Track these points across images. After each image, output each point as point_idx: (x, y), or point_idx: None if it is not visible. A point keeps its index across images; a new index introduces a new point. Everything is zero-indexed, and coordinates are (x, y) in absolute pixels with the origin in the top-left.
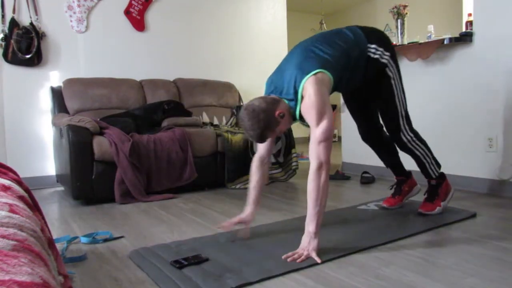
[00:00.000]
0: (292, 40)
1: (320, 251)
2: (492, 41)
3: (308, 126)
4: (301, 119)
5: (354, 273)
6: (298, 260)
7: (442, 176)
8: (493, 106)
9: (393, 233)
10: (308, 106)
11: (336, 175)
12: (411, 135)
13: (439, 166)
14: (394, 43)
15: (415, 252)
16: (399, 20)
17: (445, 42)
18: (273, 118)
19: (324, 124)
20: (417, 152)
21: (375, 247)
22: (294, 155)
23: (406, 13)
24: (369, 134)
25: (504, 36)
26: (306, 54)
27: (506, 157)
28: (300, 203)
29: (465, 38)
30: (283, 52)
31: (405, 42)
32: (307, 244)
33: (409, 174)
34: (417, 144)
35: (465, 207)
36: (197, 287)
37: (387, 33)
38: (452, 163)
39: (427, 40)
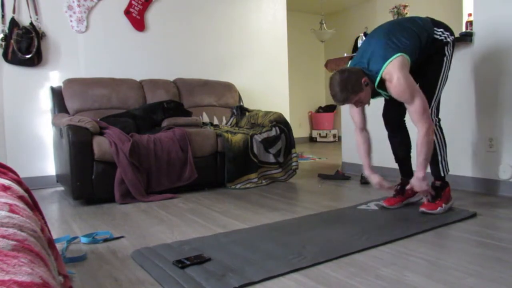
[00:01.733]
0: (292, 40)
1: (320, 251)
2: (492, 41)
3: (387, 96)
4: (380, 89)
5: (354, 273)
6: (427, 197)
7: (447, 182)
8: (493, 106)
9: (393, 233)
10: (399, 90)
11: (336, 175)
12: (436, 118)
13: (448, 168)
14: None
15: (415, 252)
16: (427, 16)
17: None
18: (359, 83)
19: (418, 100)
20: (435, 138)
21: (375, 247)
22: (294, 155)
23: (406, 13)
24: (393, 117)
25: (504, 36)
26: (387, 43)
27: (506, 157)
28: (300, 203)
29: (465, 38)
30: (283, 52)
31: None
32: (419, 184)
33: None
34: (438, 131)
35: (465, 207)
36: (200, 286)
37: None
38: (452, 163)
39: None
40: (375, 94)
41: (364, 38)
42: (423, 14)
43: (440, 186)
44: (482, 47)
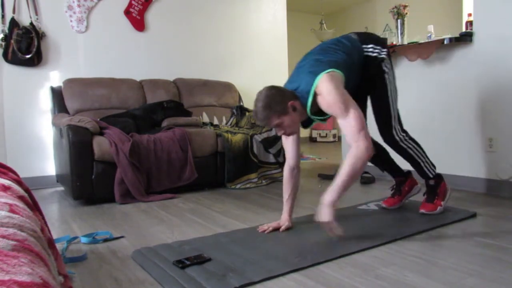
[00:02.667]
0: (292, 40)
1: (320, 251)
2: (492, 41)
3: (323, 122)
4: (313, 115)
5: (354, 273)
6: (330, 233)
7: (440, 176)
8: (493, 106)
9: (393, 233)
10: (330, 101)
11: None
12: (403, 134)
13: (434, 166)
14: (394, 43)
15: (415, 252)
16: (399, 20)
17: (445, 42)
18: (285, 105)
19: (353, 114)
20: (410, 151)
21: (375, 247)
22: None
23: (406, 13)
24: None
25: (504, 36)
26: (314, 62)
27: (506, 157)
28: (300, 203)
29: (465, 38)
30: (283, 52)
31: (405, 42)
32: (322, 217)
33: (407, 174)
34: (409, 143)
35: (465, 207)
36: (200, 286)
37: (387, 33)
38: (452, 163)
39: (427, 40)
40: (308, 122)
41: None
42: (423, 14)
43: (435, 183)
44: (482, 47)
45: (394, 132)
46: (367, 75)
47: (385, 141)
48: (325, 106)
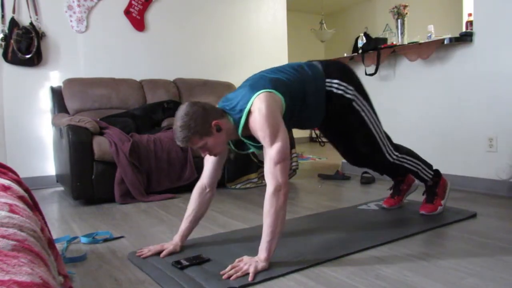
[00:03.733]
0: (292, 40)
1: (320, 251)
2: (492, 41)
3: (257, 150)
4: (247, 138)
5: (354, 273)
6: (232, 278)
7: (437, 174)
8: (493, 106)
9: (393, 233)
10: (259, 122)
11: (336, 175)
12: (396, 154)
13: (430, 167)
14: (394, 43)
15: (415, 252)
16: (399, 20)
17: (445, 42)
18: (207, 125)
19: (279, 143)
20: (407, 166)
21: (375, 247)
22: (294, 155)
23: (406, 13)
24: (352, 160)
25: (504, 36)
26: (259, 77)
27: (506, 157)
28: (300, 203)
29: (465, 38)
30: (283, 52)
31: (405, 42)
32: (253, 262)
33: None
34: (404, 158)
35: (465, 207)
36: (200, 287)
37: (387, 33)
38: (452, 163)
39: (427, 40)
40: (242, 145)
41: (364, 38)
42: (423, 14)
43: (433, 183)
44: (482, 47)
45: (388, 157)
46: (337, 114)
47: (382, 165)
48: (253, 129)
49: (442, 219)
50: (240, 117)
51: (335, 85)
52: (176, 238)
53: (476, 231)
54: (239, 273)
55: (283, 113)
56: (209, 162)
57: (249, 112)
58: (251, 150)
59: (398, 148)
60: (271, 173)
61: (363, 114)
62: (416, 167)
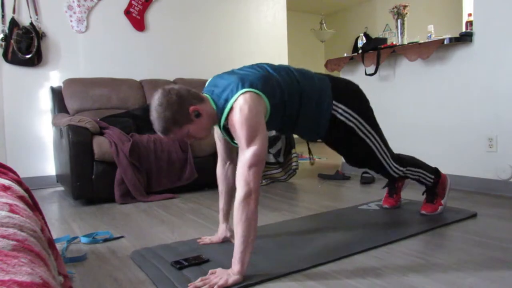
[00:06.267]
0: (292, 40)
1: (320, 252)
2: (492, 41)
3: (232, 142)
4: (226, 132)
5: (354, 273)
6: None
7: (437, 173)
8: (493, 106)
9: (394, 233)
10: (239, 121)
11: (336, 175)
12: (402, 169)
13: (431, 172)
14: (394, 43)
15: (415, 252)
16: (399, 20)
17: (445, 42)
18: (185, 112)
19: (256, 146)
20: (410, 175)
21: (375, 248)
22: (294, 155)
23: (406, 13)
24: (353, 163)
25: (504, 36)
26: (256, 69)
27: (506, 157)
28: (300, 203)
29: (465, 38)
30: (283, 52)
31: (405, 42)
32: (225, 276)
33: None
34: (409, 171)
35: (465, 207)
36: None
37: (387, 33)
38: (452, 163)
39: (427, 40)
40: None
41: (364, 38)
42: (423, 14)
43: (434, 183)
44: (482, 47)
45: (392, 171)
46: (338, 137)
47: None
48: (232, 126)
49: (442, 219)
50: (224, 108)
51: (339, 110)
52: (221, 224)
53: (476, 231)
54: (206, 287)
55: (266, 117)
56: (218, 140)
57: (231, 108)
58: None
59: (402, 161)
60: (243, 177)
61: (367, 139)
62: (418, 175)
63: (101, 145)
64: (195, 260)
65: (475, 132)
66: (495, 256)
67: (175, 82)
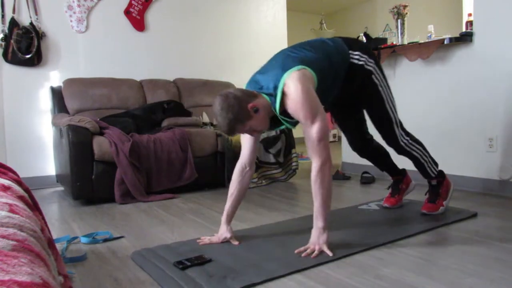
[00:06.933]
0: (292, 40)
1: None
2: (492, 41)
3: (291, 126)
4: (283, 115)
5: (354, 273)
6: (312, 256)
7: (442, 174)
8: (493, 106)
9: (394, 233)
10: (296, 103)
11: (336, 175)
12: (407, 138)
13: (436, 164)
14: (394, 43)
15: (415, 252)
16: (399, 20)
17: (445, 42)
18: (245, 109)
19: (319, 122)
20: (415, 154)
21: (375, 247)
22: (294, 155)
23: (406, 13)
24: (358, 145)
25: (504, 36)
26: (287, 55)
27: (506, 157)
28: (300, 203)
29: (465, 38)
30: None
31: (405, 42)
32: (317, 239)
33: (403, 172)
34: (414, 146)
35: (465, 207)
36: None
37: (387, 33)
38: (452, 163)
39: (427, 40)
40: (276, 123)
41: (364, 38)
42: (423, 14)
43: (437, 183)
44: (482, 47)
45: (400, 139)
46: (356, 87)
47: (390, 146)
48: (291, 110)
49: (442, 219)
50: (275, 96)
51: (356, 56)
52: (223, 228)
53: (476, 231)
54: (316, 252)
55: (315, 87)
56: (246, 142)
57: (284, 93)
58: (282, 127)
59: (409, 134)
60: (315, 151)
61: (380, 89)
62: (424, 158)
63: (101, 145)
64: (198, 260)
65: (475, 132)
66: (495, 256)
67: (175, 82)
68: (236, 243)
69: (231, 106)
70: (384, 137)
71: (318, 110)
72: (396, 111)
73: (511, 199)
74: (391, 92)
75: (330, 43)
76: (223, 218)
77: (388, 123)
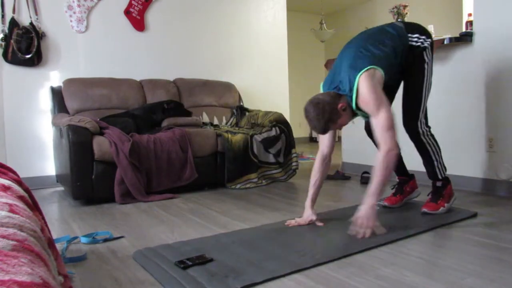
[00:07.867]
0: (292, 40)
1: (321, 252)
2: (492, 41)
3: (367, 116)
4: (359, 110)
5: (354, 273)
6: (367, 235)
7: (448, 179)
8: (493, 106)
9: (394, 233)
10: (365, 100)
11: (336, 175)
12: (427, 128)
13: (445, 168)
14: None
15: (415, 252)
16: (399, 20)
17: (445, 42)
18: (336, 110)
19: (383, 113)
20: (428, 147)
21: (375, 247)
22: (294, 155)
23: (406, 13)
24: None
25: (504, 36)
26: (357, 53)
27: (506, 157)
28: (300, 203)
29: (465, 38)
30: (283, 52)
31: None
32: (366, 220)
33: (411, 175)
34: (430, 139)
35: (465, 207)
36: (202, 287)
37: None
38: (452, 163)
39: None
40: (354, 113)
41: None
42: (423, 14)
43: (442, 185)
44: (482, 47)
45: (419, 124)
46: (406, 63)
47: (407, 130)
48: (362, 105)
49: (442, 219)
50: (351, 96)
51: (415, 38)
52: (308, 208)
53: (476, 231)
54: (368, 233)
55: (382, 83)
56: (324, 137)
57: (356, 91)
58: (357, 117)
59: (429, 127)
60: (382, 139)
61: (426, 66)
62: (435, 157)
63: (101, 145)
64: (199, 260)
65: (475, 132)
66: (495, 256)
67: (175, 82)
68: (321, 224)
69: (324, 111)
70: (405, 115)
71: (382, 103)
72: (427, 97)
73: (511, 199)
74: (431, 80)
75: (393, 32)
76: (308, 203)
77: (417, 103)
